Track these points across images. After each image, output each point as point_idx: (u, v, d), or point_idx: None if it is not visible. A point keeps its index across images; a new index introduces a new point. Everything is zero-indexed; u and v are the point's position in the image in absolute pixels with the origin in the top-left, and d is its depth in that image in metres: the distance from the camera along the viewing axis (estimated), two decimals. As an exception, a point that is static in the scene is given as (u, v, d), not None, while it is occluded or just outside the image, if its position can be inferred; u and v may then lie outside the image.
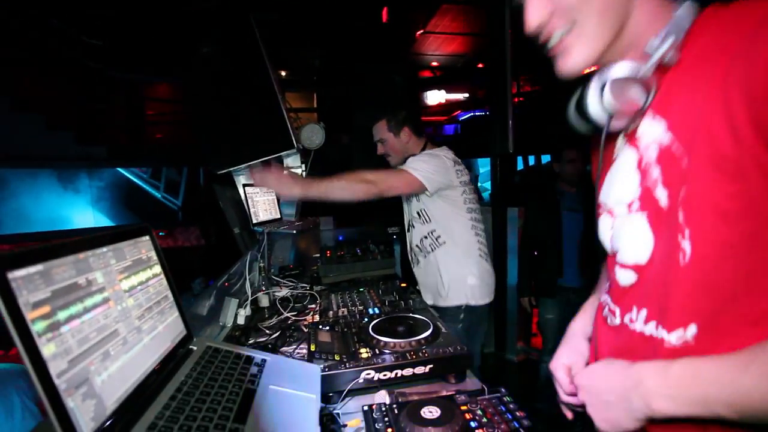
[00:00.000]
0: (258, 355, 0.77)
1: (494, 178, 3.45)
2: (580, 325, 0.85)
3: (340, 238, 2.70)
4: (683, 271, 0.52)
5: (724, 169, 0.47)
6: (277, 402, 0.64)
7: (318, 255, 2.15)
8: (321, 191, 1.56)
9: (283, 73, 6.96)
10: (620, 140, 0.65)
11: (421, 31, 7.87)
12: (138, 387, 0.54)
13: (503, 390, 0.90)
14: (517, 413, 0.83)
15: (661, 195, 0.55)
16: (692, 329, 0.52)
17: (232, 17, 2.06)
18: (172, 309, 0.71)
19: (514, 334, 3.42)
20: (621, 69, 0.56)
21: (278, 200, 2.33)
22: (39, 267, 0.44)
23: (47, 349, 0.41)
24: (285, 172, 1.66)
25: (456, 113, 9.79)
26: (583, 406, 0.64)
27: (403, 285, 1.68)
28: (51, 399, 0.40)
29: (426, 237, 1.83)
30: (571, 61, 0.59)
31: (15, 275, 0.40)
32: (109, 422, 0.46)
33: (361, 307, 1.43)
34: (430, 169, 1.70)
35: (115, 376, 0.50)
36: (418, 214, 1.84)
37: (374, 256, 1.89)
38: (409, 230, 1.98)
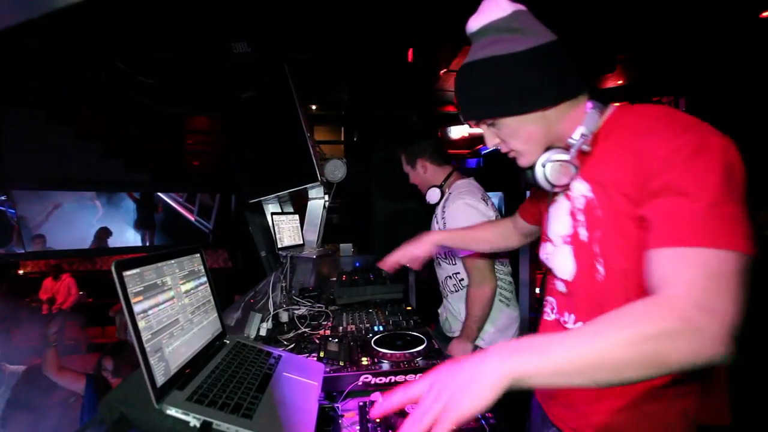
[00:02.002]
0: (275, 351, 0.97)
1: (506, 212, 3.62)
2: None
3: (357, 264, 2.90)
4: (599, 284, 0.79)
5: (630, 220, 0.70)
6: (287, 384, 0.84)
7: (335, 278, 2.36)
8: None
9: (314, 107, 7.39)
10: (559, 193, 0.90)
11: (445, 69, 8.22)
12: (190, 361, 0.75)
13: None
14: (486, 414, 0.98)
15: (583, 234, 0.81)
16: None
17: (268, 64, 2.37)
18: (213, 310, 0.93)
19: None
20: (555, 156, 0.81)
21: (302, 227, 2.57)
22: (137, 270, 0.66)
23: (141, 324, 0.63)
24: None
25: (478, 147, 10.00)
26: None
27: (408, 308, 1.85)
28: (142, 357, 0.61)
29: (450, 277, 1.85)
30: (523, 164, 0.86)
31: (126, 274, 0.63)
32: (172, 379, 0.67)
33: (368, 325, 1.62)
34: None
35: (176, 350, 0.72)
36: (444, 254, 1.85)
37: (384, 281, 2.06)
38: (437, 265, 1.97)
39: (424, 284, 3.20)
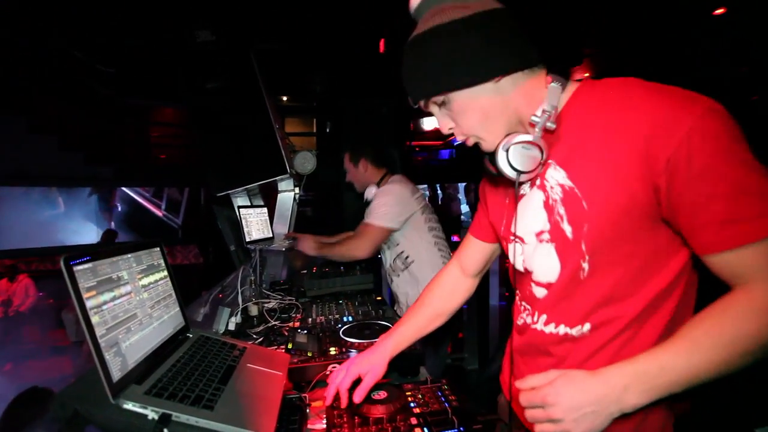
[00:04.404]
0: (240, 344, 0.97)
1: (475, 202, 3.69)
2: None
3: (329, 255, 2.89)
4: (582, 283, 0.70)
5: (633, 215, 0.63)
6: (251, 374, 0.84)
7: (306, 271, 2.35)
8: (326, 254, 2.15)
9: (285, 98, 7.26)
10: (526, 185, 0.78)
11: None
12: (149, 355, 0.74)
13: (443, 381, 1.09)
14: (450, 397, 1.02)
15: (567, 229, 0.70)
16: (587, 326, 0.72)
17: (234, 54, 2.32)
18: (174, 305, 0.92)
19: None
20: (517, 138, 0.69)
21: (271, 221, 2.54)
22: (89, 264, 0.65)
23: (94, 320, 0.62)
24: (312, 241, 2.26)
25: (451, 138, 10.12)
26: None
27: (378, 298, 1.87)
28: (96, 352, 0.60)
29: (396, 258, 2.11)
30: (486, 148, 0.75)
31: (77, 268, 0.61)
32: (130, 373, 0.67)
33: (337, 316, 1.63)
34: (391, 210, 1.98)
35: (134, 345, 0.71)
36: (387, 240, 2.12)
37: (354, 273, 2.08)
38: (381, 253, 2.24)
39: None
